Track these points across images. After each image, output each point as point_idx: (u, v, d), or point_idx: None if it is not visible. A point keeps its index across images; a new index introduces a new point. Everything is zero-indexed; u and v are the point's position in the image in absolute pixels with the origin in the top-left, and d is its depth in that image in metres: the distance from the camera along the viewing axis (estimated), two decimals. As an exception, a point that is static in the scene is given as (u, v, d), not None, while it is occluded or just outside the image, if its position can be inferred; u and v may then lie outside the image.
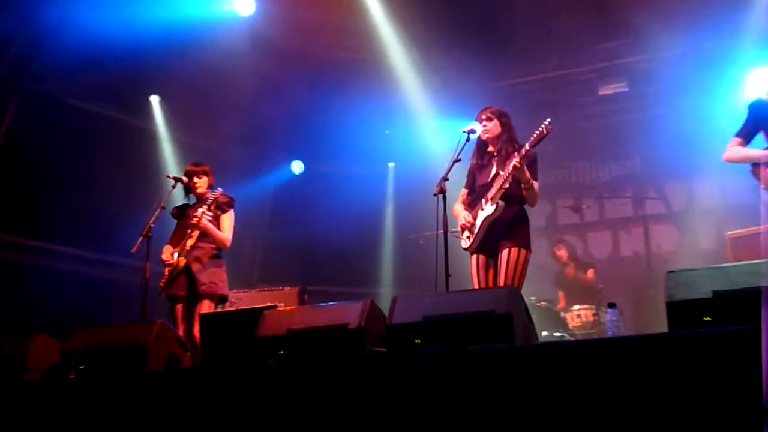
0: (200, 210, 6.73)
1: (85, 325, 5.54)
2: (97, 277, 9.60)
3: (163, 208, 7.02)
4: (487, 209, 5.84)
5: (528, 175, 5.71)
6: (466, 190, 6.19)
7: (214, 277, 6.82)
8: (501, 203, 5.79)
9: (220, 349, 5.19)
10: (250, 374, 4.37)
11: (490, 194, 5.85)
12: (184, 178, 7.08)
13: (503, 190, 5.77)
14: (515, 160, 5.62)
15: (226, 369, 4.63)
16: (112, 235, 8.90)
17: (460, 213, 6.08)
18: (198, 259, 6.81)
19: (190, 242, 6.79)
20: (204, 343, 5.37)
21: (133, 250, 6.66)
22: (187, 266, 6.77)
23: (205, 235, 6.83)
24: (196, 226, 6.75)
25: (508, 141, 5.99)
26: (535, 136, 5.58)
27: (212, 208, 6.81)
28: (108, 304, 9.11)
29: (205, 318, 5.59)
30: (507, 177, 5.73)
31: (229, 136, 11.08)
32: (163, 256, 6.88)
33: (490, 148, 6.08)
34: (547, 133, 5.53)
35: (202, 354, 5.35)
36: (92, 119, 9.89)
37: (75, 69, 9.05)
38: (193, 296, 6.75)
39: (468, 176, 6.20)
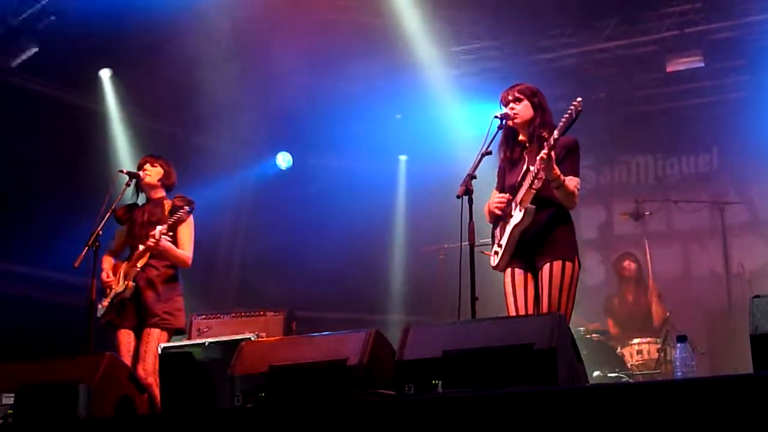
0: (158, 228, 6.80)
1: (11, 358, 5.53)
2: (28, 296, 9.60)
3: (114, 210, 7.05)
4: (515, 216, 5.75)
5: (557, 171, 5.58)
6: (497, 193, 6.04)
7: (169, 306, 6.91)
8: (531, 208, 5.68)
9: (184, 391, 5.19)
10: (222, 423, 4.37)
11: (519, 197, 5.80)
12: (141, 173, 7.12)
13: (533, 192, 5.69)
14: (543, 152, 5.51)
15: (192, 416, 4.62)
16: (47, 245, 8.90)
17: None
18: (151, 284, 6.90)
19: (141, 262, 6.84)
20: (164, 384, 5.37)
21: (76, 264, 6.67)
22: (138, 291, 6.85)
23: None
24: (154, 249, 6.82)
25: (541, 127, 5.88)
26: (564, 120, 5.47)
27: (172, 224, 6.89)
28: (41, 331, 9.10)
29: (166, 353, 5.59)
30: (536, 174, 5.62)
31: (199, 120, 11.07)
32: (105, 276, 6.96)
33: (521, 137, 6.00)
34: (577, 115, 5.42)
35: (162, 397, 5.35)
36: (23, 98, 9.90)
37: (2, 35, 9.08)
38: (142, 328, 6.82)
39: (498, 175, 6.10)
